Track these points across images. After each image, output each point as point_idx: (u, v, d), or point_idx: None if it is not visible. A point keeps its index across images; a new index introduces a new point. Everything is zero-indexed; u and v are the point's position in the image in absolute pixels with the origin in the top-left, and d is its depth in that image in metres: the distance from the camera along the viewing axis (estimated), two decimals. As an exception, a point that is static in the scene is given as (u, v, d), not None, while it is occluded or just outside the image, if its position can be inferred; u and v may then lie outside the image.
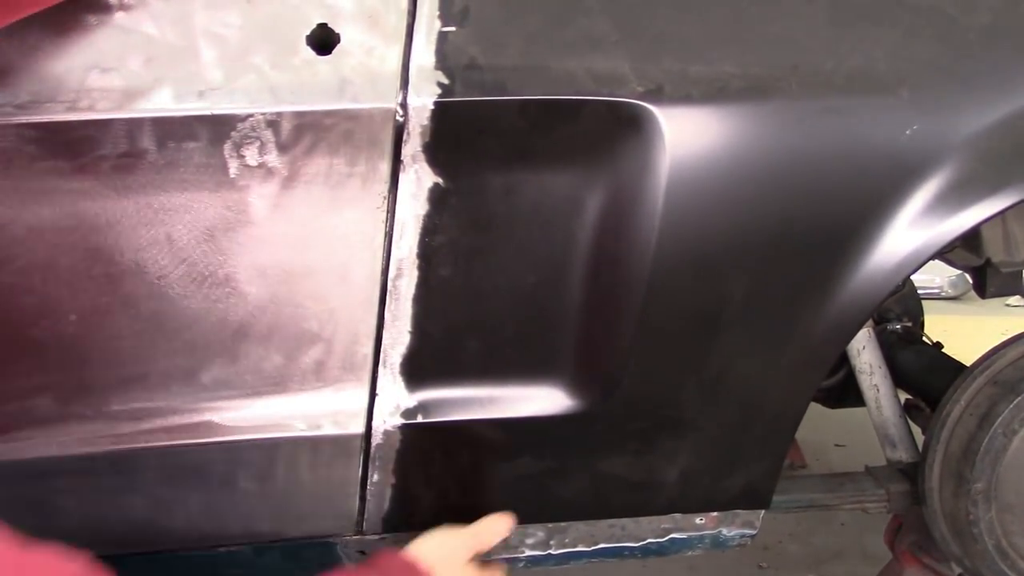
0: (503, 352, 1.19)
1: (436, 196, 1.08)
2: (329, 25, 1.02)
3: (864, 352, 1.65)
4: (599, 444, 1.26)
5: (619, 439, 1.26)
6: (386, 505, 1.24)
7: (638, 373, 1.20)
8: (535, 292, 1.16)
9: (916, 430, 1.70)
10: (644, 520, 1.38)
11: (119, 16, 0.97)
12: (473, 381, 1.20)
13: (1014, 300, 4.29)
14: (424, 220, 1.09)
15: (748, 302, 1.18)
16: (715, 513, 1.39)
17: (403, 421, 1.18)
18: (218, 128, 0.99)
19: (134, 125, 0.97)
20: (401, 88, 1.03)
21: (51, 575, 0.74)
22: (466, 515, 1.23)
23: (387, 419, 1.18)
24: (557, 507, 1.31)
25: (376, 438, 1.18)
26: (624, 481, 1.30)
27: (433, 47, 1.04)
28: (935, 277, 4.68)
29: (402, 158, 1.05)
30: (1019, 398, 1.40)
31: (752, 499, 1.37)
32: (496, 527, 1.25)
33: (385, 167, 1.05)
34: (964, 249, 1.72)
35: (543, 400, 1.21)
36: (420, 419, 1.18)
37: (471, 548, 1.22)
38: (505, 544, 1.31)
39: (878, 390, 1.66)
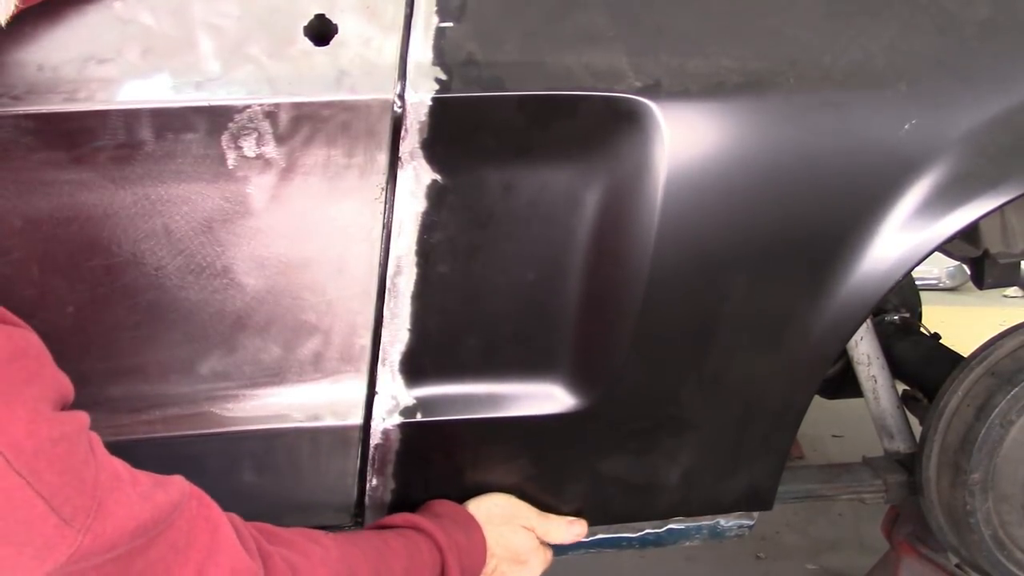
0: (502, 350, 1.19)
1: (434, 193, 1.07)
2: (327, 16, 1.01)
3: (862, 343, 1.65)
4: (599, 443, 1.26)
5: (620, 438, 1.26)
6: (385, 499, 1.24)
7: (638, 371, 1.20)
8: (534, 289, 1.15)
9: (914, 421, 1.71)
10: (643, 511, 1.38)
11: (117, 6, 0.97)
12: (472, 379, 1.19)
13: (1012, 291, 4.28)
14: (423, 217, 1.08)
15: (748, 297, 1.18)
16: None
17: (402, 419, 1.18)
18: (216, 119, 0.99)
19: (131, 116, 0.97)
20: (399, 79, 1.02)
21: (162, 483, 0.86)
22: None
23: (386, 417, 1.18)
24: (556, 509, 1.31)
25: (375, 435, 1.18)
26: (624, 483, 1.29)
27: (431, 43, 1.03)
28: (933, 268, 4.67)
29: (400, 155, 1.04)
30: (1016, 389, 1.40)
31: (755, 500, 1.36)
32: (567, 530, 1.27)
33: (383, 158, 1.05)
34: (962, 240, 1.72)
35: (543, 398, 1.21)
36: (419, 417, 1.18)
37: (531, 525, 1.25)
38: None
39: (876, 381, 1.66)
